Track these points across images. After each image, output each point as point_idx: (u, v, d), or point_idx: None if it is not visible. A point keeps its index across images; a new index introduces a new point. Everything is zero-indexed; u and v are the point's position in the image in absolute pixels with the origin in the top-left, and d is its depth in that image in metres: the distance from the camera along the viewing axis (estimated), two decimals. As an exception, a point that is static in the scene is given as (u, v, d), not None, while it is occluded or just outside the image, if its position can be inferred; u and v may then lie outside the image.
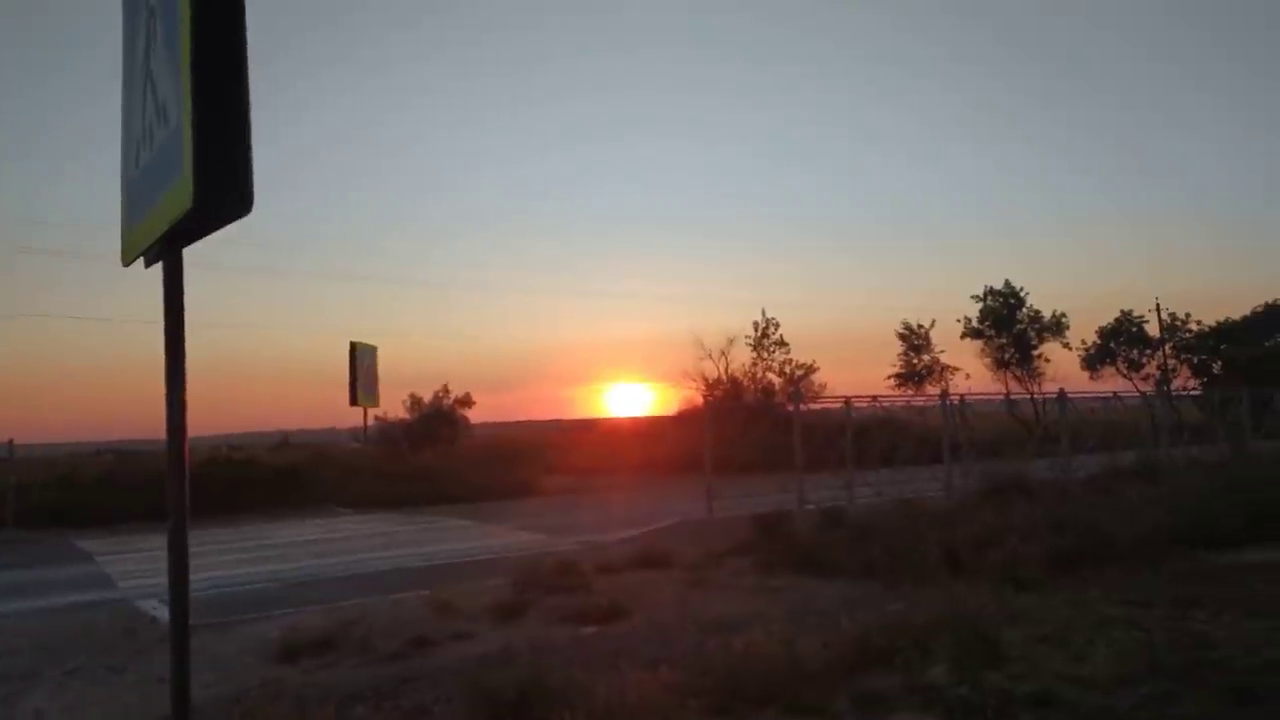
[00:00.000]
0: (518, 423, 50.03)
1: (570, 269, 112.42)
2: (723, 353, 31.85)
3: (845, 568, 8.16)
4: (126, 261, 2.96)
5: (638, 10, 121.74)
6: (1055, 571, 7.47)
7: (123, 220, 2.99)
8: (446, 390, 30.68)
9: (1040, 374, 36.02)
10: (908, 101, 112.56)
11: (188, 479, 2.64)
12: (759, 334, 31.52)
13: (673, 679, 4.51)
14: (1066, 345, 37.50)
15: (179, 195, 2.28)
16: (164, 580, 9.11)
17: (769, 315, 31.61)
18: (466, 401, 31.00)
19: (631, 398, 49.75)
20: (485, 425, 35.55)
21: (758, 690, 4.51)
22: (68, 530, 16.45)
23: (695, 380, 31.84)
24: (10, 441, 19.03)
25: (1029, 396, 29.77)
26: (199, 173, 2.17)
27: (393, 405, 29.90)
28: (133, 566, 11.64)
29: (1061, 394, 17.33)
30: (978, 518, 9.19)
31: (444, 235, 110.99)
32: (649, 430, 30.91)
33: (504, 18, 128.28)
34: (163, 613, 7.96)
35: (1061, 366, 37.00)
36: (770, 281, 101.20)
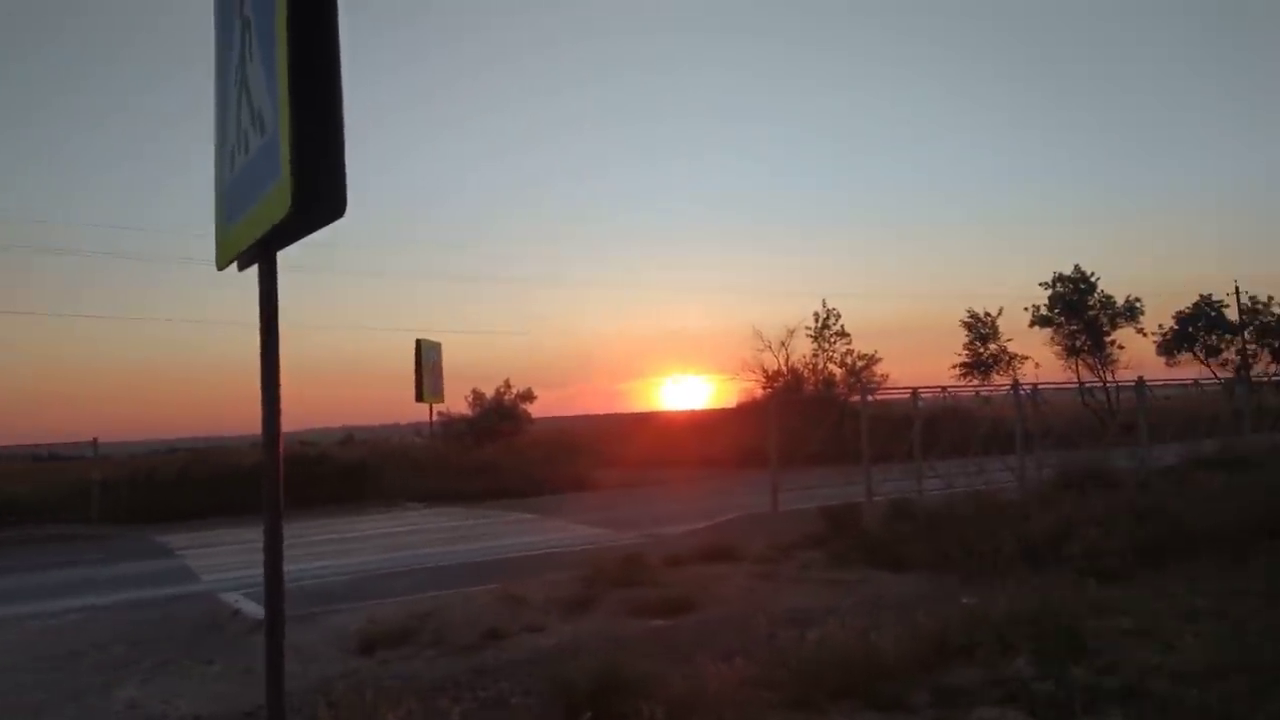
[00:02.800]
0: (577, 417, 50.28)
1: (629, 262, 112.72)
2: (783, 344, 31.57)
3: (917, 560, 8.05)
4: (221, 265, 3.06)
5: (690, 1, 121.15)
6: (1138, 563, 7.27)
7: (217, 225, 3.09)
8: (508, 385, 30.99)
9: (1114, 361, 34.89)
10: (969, 86, 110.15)
11: (282, 477, 2.72)
12: (819, 325, 31.16)
13: (748, 671, 4.51)
14: (1141, 331, 36.30)
15: (277, 200, 2.35)
16: (244, 573, 9.43)
17: (829, 306, 31.24)
18: (528, 396, 31.25)
19: (689, 391, 49.61)
20: (545, 419, 35.82)
21: (834, 683, 4.48)
22: (148, 526, 17.06)
23: (754, 372, 31.61)
24: (95, 440, 19.83)
25: (1103, 384, 28.94)
26: (297, 178, 2.24)
27: (456, 401, 30.36)
28: (213, 560, 12.02)
29: (1139, 381, 16.82)
30: (1054, 509, 8.97)
31: (507, 231, 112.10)
32: (708, 423, 30.83)
33: (565, 14, 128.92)
34: (246, 605, 8.22)
35: (1136, 353, 35.79)
36: (830, 272, 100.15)
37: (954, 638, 5.13)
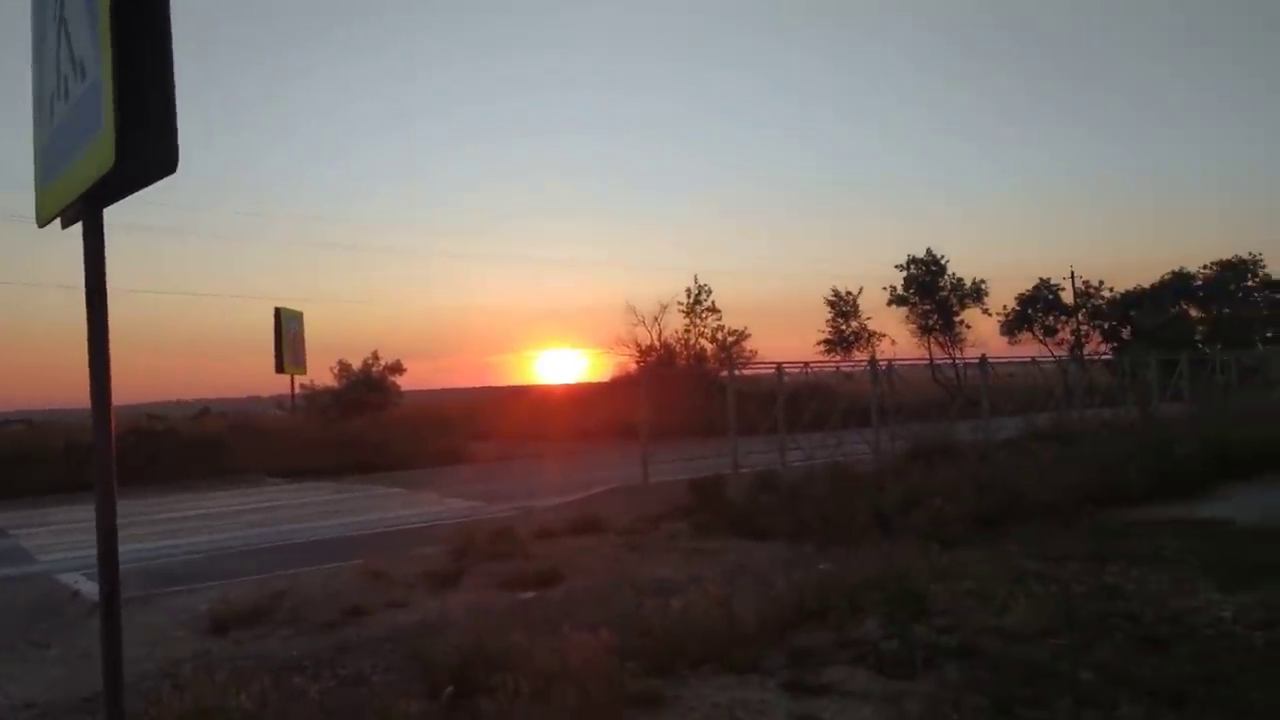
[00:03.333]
0: (448, 390, 49.46)
1: (501, 233, 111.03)
2: (655, 319, 31.93)
3: (779, 530, 8.34)
4: (42, 222, 2.81)
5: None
6: (977, 529, 7.78)
7: (36, 179, 2.83)
8: (376, 357, 30.11)
9: (962, 340, 37.02)
10: (839, 67, 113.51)
11: (114, 448, 2.55)
12: (691, 300, 31.67)
13: (612, 641, 4.56)
14: (987, 312, 38.63)
15: (99, 153, 2.17)
16: (83, 553, 8.85)
17: (701, 282, 31.76)
18: (397, 369, 30.47)
19: (563, 364, 49.54)
20: (415, 392, 35.03)
21: (696, 650, 4.60)
22: (-24, 504, 15.73)
23: (628, 346, 31.88)
24: (-90, 412, 18.07)
25: (951, 361, 30.69)
26: (121, 129, 2.06)
27: (320, 373, 29.28)
28: (50, 540, 11.22)
29: (983, 359, 17.89)
30: (905, 479, 9.48)
31: (373, 199, 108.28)
32: (581, 397, 30.89)
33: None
34: (85, 586, 7.72)
35: (982, 332, 38.13)
36: (702, 249, 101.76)
37: (809, 603, 5.35)
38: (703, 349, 31.48)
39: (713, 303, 31.64)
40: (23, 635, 6.16)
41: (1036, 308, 41.24)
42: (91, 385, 2.52)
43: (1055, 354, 34.57)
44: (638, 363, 30.59)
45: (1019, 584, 5.90)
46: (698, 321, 31.62)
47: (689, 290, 31.73)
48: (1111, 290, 41.66)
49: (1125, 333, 40.88)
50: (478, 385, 48.77)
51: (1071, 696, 3.86)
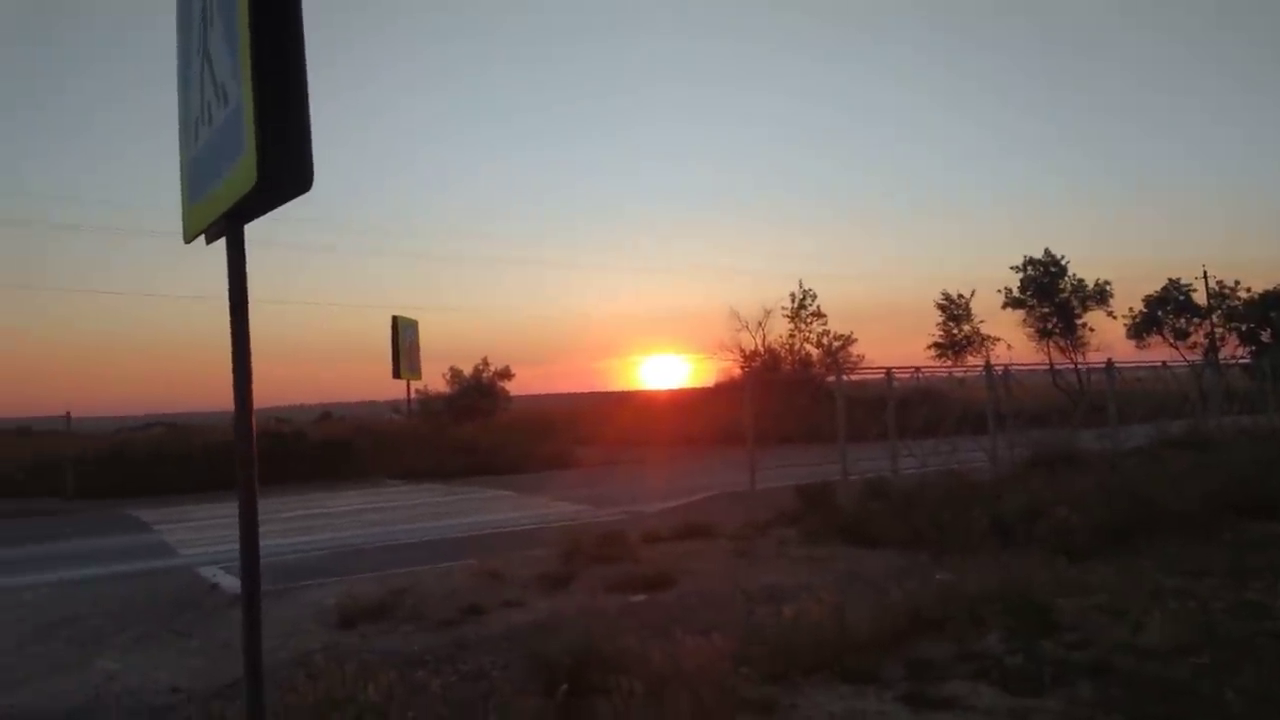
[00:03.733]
0: (555, 394, 50.29)
1: (607, 242, 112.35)
2: (760, 324, 31.70)
3: (891, 538, 8.14)
4: (188, 239, 3.00)
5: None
6: (1106, 542, 7.39)
7: (183, 199, 3.03)
8: (486, 363, 30.90)
9: (1085, 344, 35.29)
10: (948, 70, 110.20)
11: (255, 450, 2.69)
12: (796, 305, 31.29)
13: (725, 646, 4.54)
14: (1111, 314, 36.71)
15: (241, 173, 2.31)
16: (221, 548, 9.40)
17: (806, 286, 31.34)
18: (506, 374, 31.18)
19: (667, 370, 49.77)
20: (523, 397, 35.78)
21: (810, 658, 4.54)
22: (124, 500, 16.94)
23: (732, 352, 31.77)
24: (68, 415, 19.61)
25: (1074, 366, 29.29)
26: (261, 150, 2.19)
27: (434, 378, 30.24)
28: (190, 535, 11.96)
29: (1109, 364, 17.03)
30: (1025, 488, 9.09)
31: (484, 210, 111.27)
32: (685, 402, 30.93)
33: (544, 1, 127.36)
34: (223, 579, 8.19)
35: (1106, 336, 36.24)
36: (806, 254, 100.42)
37: (927, 613, 5.20)
38: (807, 354, 31.07)
39: (818, 307, 31.22)
40: (167, 625, 6.56)
41: (1166, 310, 38.89)
42: (235, 390, 2.67)
43: (1188, 358, 32.61)
44: (742, 368, 30.43)
45: (1154, 599, 5.59)
46: (802, 326, 31.25)
47: (793, 295, 31.40)
48: (1249, 290, 38.89)
49: (1265, 335, 38.09)
50: (584, 390, 49.50)
51: (1215, 718, 3.63)
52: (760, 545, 8.68)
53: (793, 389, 22.54)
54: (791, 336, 31.38)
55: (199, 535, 11.89)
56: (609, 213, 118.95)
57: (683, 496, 12.92)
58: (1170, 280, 38.93)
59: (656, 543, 8.92)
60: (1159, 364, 19.62)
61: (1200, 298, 39.16)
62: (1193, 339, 38.92)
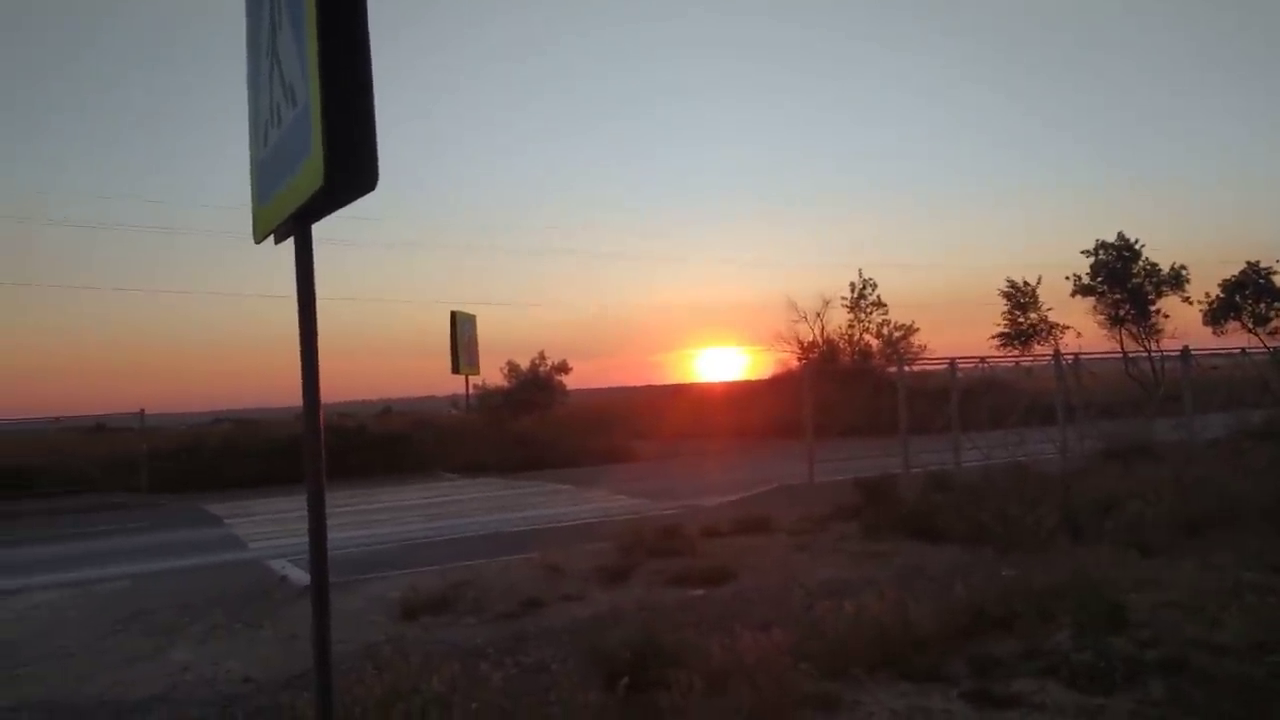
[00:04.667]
0: (612, 388, 50.45)
1: (663, 234, 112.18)
2: (818, 315, 31.32)
3: (955, 533, 7.99)
4: (258, 239, 3.08)
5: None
6: (1182, 536, 7.15)
7: (253, 199, 3.11)
8: (543, 357, 31.12)
9: (1159, 330, 34.11)
10: (1009, 51, 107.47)
11: (324, 445, 2.75)
12: (855, 295, 30.84)
13: (785, 641, 4.51)
14: (1187, 300, 35.39)
15: (309, 174, 2.36)
16: (289, 541, 9.64)
17: (866, 276, 30.87)
18: (563, 368, 31.36)
19: (724, 362, 49.49)
20: (580, 391, 35.93)
21: (872, 654, 4.48)
22: (195, 495, 17.49)
23: (790, 343, 31.43)
24: (141, 412, 20.32)
25: (1147, 354, 28.37)
26: (329, 151, 2.24)
27: (491, 373, 30.58)
28: (259, 529, 12.30)
29: (1185, 351, 16.45)
30: (1097, 481, 8.84)
31: (541, 204, 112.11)
32: (743, 395, 30.74)
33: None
34: (292, 572, 8.41)
35: (1182, 322, 34.94)
36: (867, 243, 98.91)
37: (992, 609, 5.09)
38: (867, 345, 30.62)
39: (878, 297, 30.74)
40: (238, 617, 6.76)
41: (1245, 294, 37.35)
42: (303, 386, 2.73)
43: (1268, 344, 31.28)
44: (799, 359, 30.14)
45: (1231, 595, 5.38)
46: (862, 317, 30.80)
47: (853, 284, 30.97)
48: (1335, 271, 37.17)
49: (1353, 318, 36.36)
50: (641, 384, 49.57)
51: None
52: (819, 539, 8.60)
53: (852, 380, 22.25)
54: (851, 327, 30.96)
55: (268, 529, 12.23)
56: (665, 204, 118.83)
57: (741, 490, 12.86)
58: (1249, 263, 37.39)
59: (715, 537, 8.90)
60: (1238, 351, 18.87)
61: (1281, 281, 37.57)
62: (1273, 324, 37.36)
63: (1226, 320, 37.34)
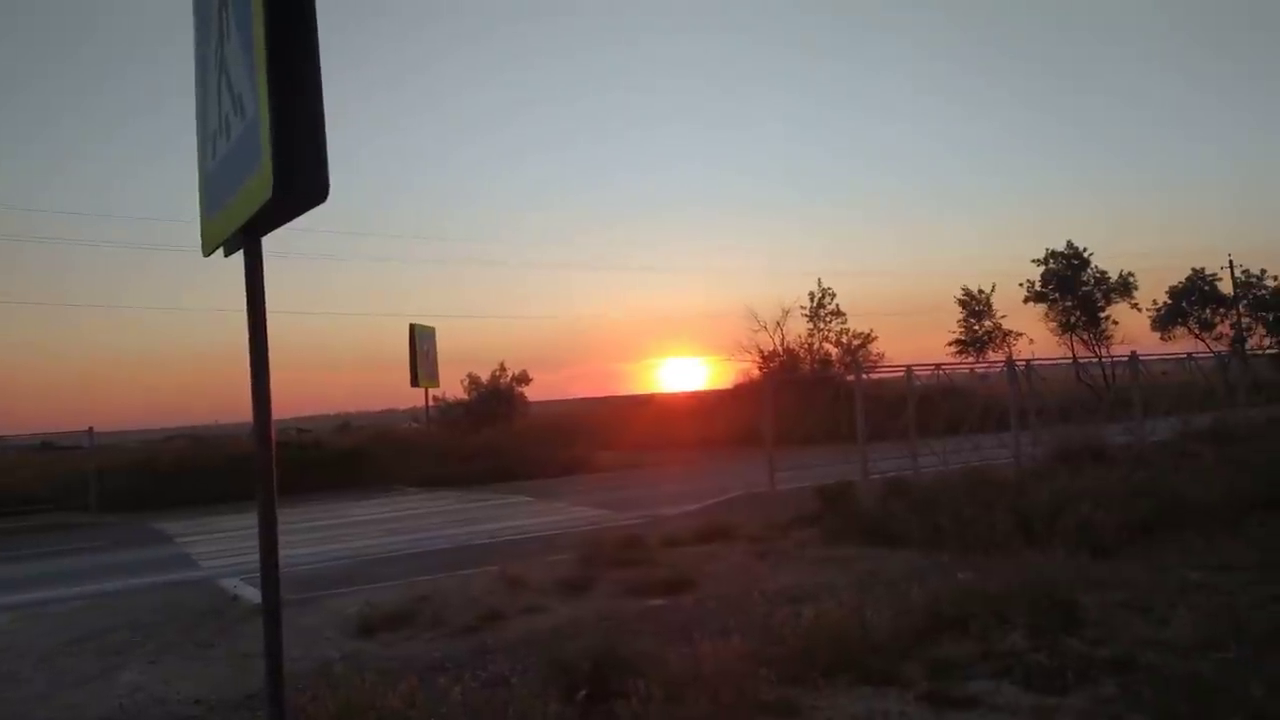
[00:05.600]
0: (573, 399, 50.34)
1: (622, 245, 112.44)
2: (778, 324, 31.67)
3: (912, 538, 8.09)
4: (207, 252, 3.04)
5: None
6: (1132, 537, 7.31)
7: (201, 212, 3.07)
8: (504, 369, 31.01)
9: (1109, 336, 35.02)
10: (961, 62, 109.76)
11: (274, 460, 2.72)
12: (814, 304, 31.23)
13: (744, 649, 4.54)
14: (1135, 306, 36.41)
15: (258, 185, 2.33)
16: (241, 560, 9.49)
17: (824, 285, 31.25)
18: (524, 379, 31.29)
19: (685, 372, 49.75)
20: (541, 403, 35.89)
21: (829, 659, 4.51)
22: (147, 513, 17.12)
23: (750, 353, 31.72)
24: (90, 430, 19.84)
25: (1098, 360, 29.06)
26: (278, 162, 2.21)
27: (452, 385, 30.38)
28: (212, 547, 12.07)
29: (1133, 356, 16.85)
30: (1050, 484, 9.01)
31: (498, 216, 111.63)
32: (704, 404, 30.90)
33: (553, 3, 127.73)
34: (244, 590, 8.26)
35: (1131, 328, 35.93)
36: (825, 253, 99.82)
37: (948, 612, 5.16)
38: (827, 353, 30.99)
39: (836, 306, 31.17)
40: (190, 637, 6.63)
41: (1191, 300, 38.45)
42: (253, 401, 2.69)
43: (1214, 349, 32.21)
44: (760, 369, 30.38)
45: (1179, 594, 5.52)
46: (821, 325, 31.18)
47: (811, 294, 31.34)
48: (1276, 279, 38.44)
49: (1293, 323, 37.59)
50: (602, 395, 49.50)
51: (1241, 714, 3.58)
52: (780, 547, 8.65)
53: (812, 389, 22.45)
54: (810, 336, 31.34)
55: (220, 547, 12.00)
56: (623, 215, 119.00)
57: (702, 499, 12.90)
58: (1194, 270, 38.53)
59: (676, 546, 8.91)
60: (1184, 356, 19.39)
61: (1226, 287, 38.74)
62: (1219, 329, 38.49)
63: (1174, 326, 38.44)
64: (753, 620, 5.43)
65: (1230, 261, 39.19)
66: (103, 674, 5.76)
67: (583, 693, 3.98)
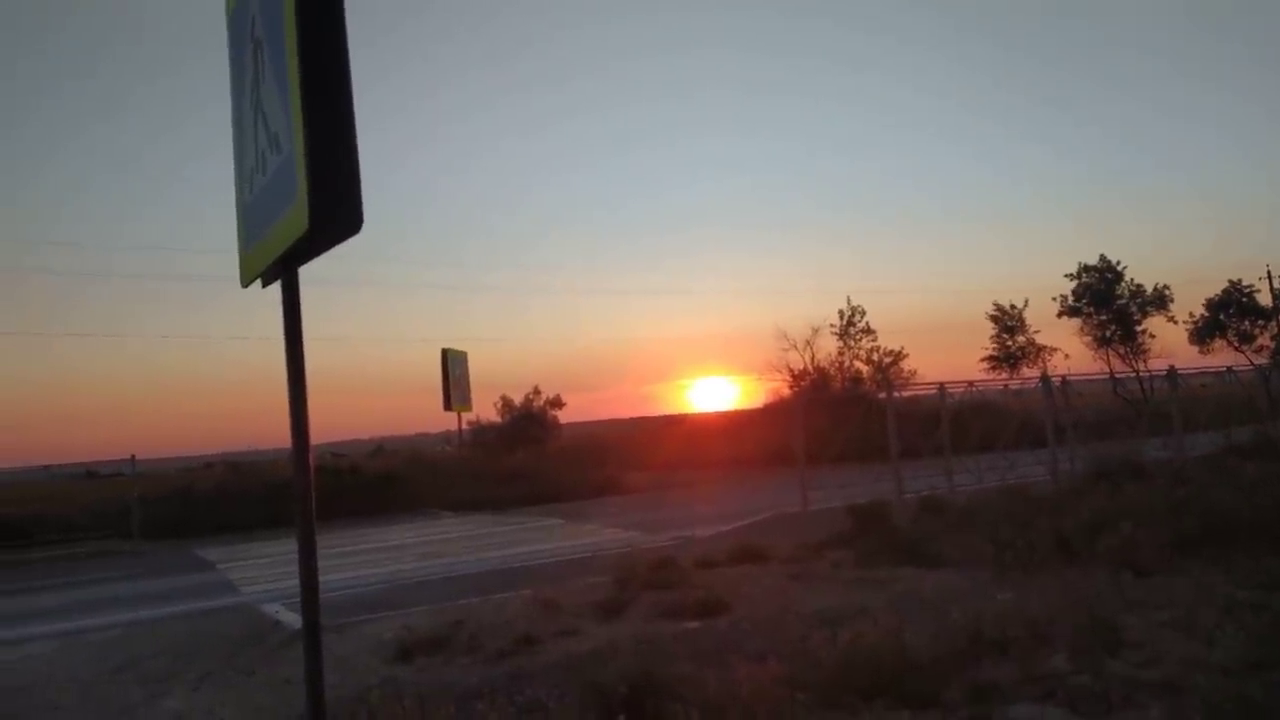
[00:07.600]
0: (606, 421, 50.40)
1: (652, 266, 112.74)
2: (808, 343, 31.52)
3: (949, 557, 7.98)
4: (245, 283, 3.12)
5: (708, 13, 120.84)
6: (1175, 555, 7.16)
7: (240, 244, 3.15)
8: (537, 391, 31.16)
9: (1145, 351, 34.44)
10: (992, 78, 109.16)
11: (312, 486, 2.77)
12: (844, 322, 31.07)
13: (780, 672, 4.50)
14: (1172, 319, 35.79)
15: (295, 218, 2.40)
16: (281, 585, 9.56)
17: (854, 303, 31.09)
18: (557, 402, 31.42)
19: (716, 392, 49.61)
20: (573, 425, 35.99)
21: (867, 682, 4.46)
22: (188, 540, 17.36)
23: (781, 372, 31.61)
24: (133, 457, 20.19)
25: (1135, 374, 28.56)
26: (313, 196, 2.28)
27: (485, 408, 30.56)
28: (252, 573, 12.20)
29: (1171, 370, 16.56)
30: (1088, 502, 8.85)
31: (529, 241, 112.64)
32: (736, 424, 30.78)
33: (577, 18, 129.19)
34: (285, 616, 8.33)
35: (1168, 342, 35.31)
36: (855, 270, 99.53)
37: (988, 634, 5.08)
38: (857, 371, 30.78)
39: (866, 324, 30.98)
40: (230, 663, 6.69)
41: (1229, 313, 37.70)
42: (292, 427, 2.75)
43: (1254, 362, 31.53)
44: (791, 388, 30.24)
45: (1226, 614, 5.39)
46: (851, 344, 31.00)
47: (841, 312, 31.19)
48: (1317, 290, 37.61)
49: (1337, 334, 36.71)
50: (634, 415, 49.53)
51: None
52: (814, 568, 8.58)
53: (843, 407, 22.28)
54: (840, 354, 31.16)
55: (260, 572, 12.13)
56: (653, 235, 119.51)
57: (735, 520, 12.83)
58: (1231, 282, 37.82)
59: (710, 568, 8.86)
60: (1223, 369, 19.01)
61: (1265, 299, 37.97)
62: (1259, 342, 37.69)
63: (1212, 339, 37.68)
64: (788, 643, 5.38)
65: (1269, 272, 38.47)
66: (146, 701, 5.83)
67: (620, 717, 3.96)
